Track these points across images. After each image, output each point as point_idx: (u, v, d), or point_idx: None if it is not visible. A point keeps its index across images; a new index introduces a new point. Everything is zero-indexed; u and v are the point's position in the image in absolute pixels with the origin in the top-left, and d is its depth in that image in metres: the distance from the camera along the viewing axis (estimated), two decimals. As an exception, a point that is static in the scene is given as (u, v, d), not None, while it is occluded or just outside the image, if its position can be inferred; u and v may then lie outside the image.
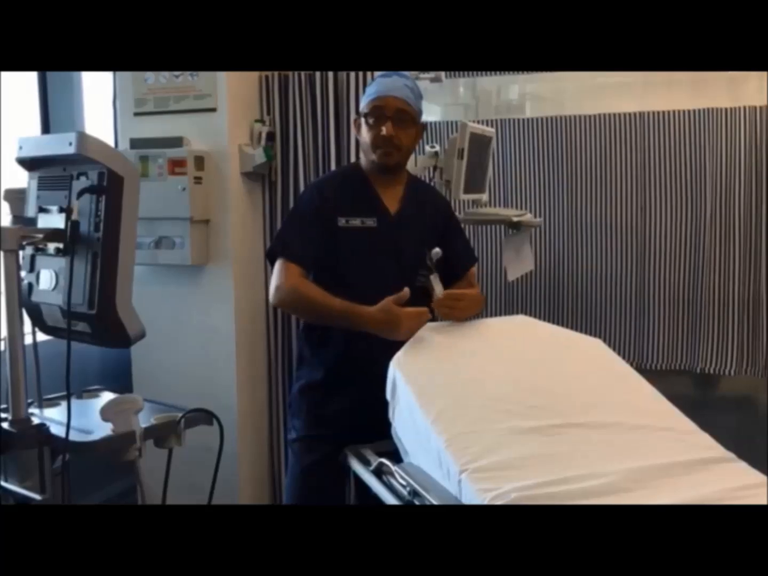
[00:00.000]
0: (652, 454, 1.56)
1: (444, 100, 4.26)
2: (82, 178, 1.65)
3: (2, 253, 1.62)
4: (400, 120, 2.05)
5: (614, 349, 2.03)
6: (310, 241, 2.04)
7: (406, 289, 1.92)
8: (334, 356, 2.08)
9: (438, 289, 2.04)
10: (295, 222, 2.12)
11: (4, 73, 2.52)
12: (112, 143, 2.84)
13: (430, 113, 3.94)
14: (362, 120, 2.09)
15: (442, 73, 3.21)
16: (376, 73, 2.97)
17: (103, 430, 1.67)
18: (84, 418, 1.73)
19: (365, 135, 2.08)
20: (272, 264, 2.09)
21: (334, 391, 2.09)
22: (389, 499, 1.67)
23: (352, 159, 2.72)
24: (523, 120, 3.95)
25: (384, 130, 2.02)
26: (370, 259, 2.07)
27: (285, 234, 2.12)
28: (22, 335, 1.67)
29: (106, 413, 1.68)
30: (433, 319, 2.02)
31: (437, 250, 2.05)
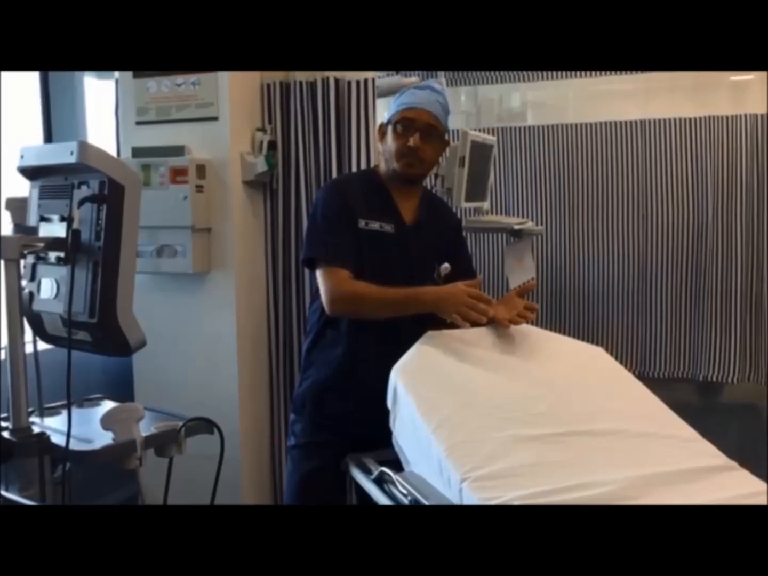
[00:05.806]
0: (655, 463, 1.55)
1: (445, 108, 4.26)
2: (84, 187, 1.66)
3: (3, 261, 1.62)
4: (427, 134, 2.05)
5: (616, 357, 2.02)
6: (346, 241, 2.02)
7: (480, 277, 2.10)
8: (341, 357, 2.07)
9: None
10: (326, 225, 2.06)
11: (7, 83, 2.53)
12: (114, 152, 2.84)
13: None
14: (389, 128, 2.09)
15: (444, 81, 3.22)
16: (409, 82, 2.99)
17: (103, 438, 1.67)
18: (85, 427, 1.73)
19: (390, 143, 2.08)
20: (311, 270, 2.07)
21: (340, 392, 2.08)
22: (390, 508, 1.66)
23: (353, 167, 2.72)
24: (525, 128, 3.96)
25: (411, 142, 2.03)
26: (383, 263, 2.07)
27: (321, 239, 2.06)
28: (23, 344, 1.67)
29: (106, 422, 1.68)
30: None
31: (446, 265, 2.08)
